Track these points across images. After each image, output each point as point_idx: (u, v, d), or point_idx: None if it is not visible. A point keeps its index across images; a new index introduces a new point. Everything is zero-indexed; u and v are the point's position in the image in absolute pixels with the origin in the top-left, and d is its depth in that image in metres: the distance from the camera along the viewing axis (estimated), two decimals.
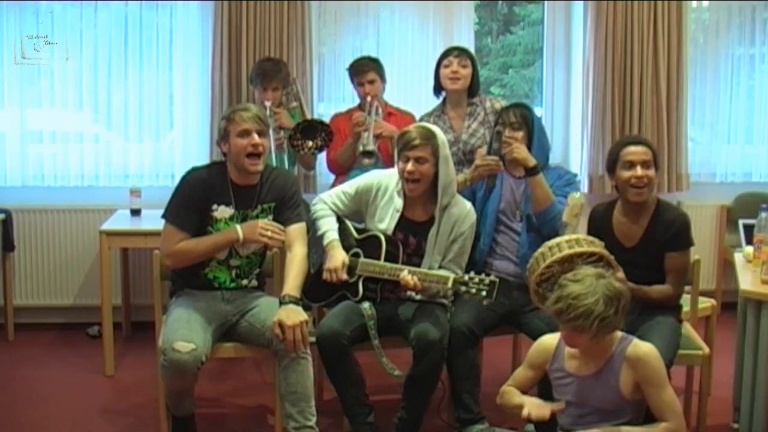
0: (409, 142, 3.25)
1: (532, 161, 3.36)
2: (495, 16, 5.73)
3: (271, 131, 4.00)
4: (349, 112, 4.38)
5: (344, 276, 3.28)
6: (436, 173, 3.28)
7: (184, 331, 3.02)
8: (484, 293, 3.04)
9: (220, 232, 3.19)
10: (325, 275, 3.30)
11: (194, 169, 3.29)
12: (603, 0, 4.89)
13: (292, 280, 3.17)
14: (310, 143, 4.02)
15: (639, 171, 3.12)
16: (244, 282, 3.33)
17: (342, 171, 4.27)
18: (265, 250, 3.35)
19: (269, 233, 3.15)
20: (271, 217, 3.28)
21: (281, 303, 3.08)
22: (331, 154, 4.31)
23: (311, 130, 4.01)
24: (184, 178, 3.25)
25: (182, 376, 3.00)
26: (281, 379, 3.08)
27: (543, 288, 2.90)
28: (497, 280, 3.05)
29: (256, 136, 3.16)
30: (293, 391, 3.06)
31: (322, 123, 4.04)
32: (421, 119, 4.13)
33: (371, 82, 4.25)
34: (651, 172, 3.13)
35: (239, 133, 3.15)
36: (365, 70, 4.26)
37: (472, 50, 4.35)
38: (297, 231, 3.30)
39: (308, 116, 4.17)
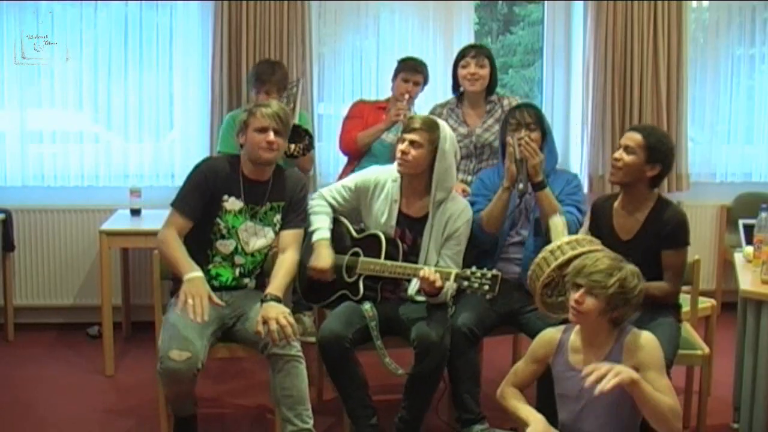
0: (410, 124, 3.31)
1: (540, 175, 3.34)
2: (495, 16, 5.73)
3: None
4: (376, 103, 4.37)
5: (331, 278, 3.31)
6: (432, 166, 3.29)
7: (180, 339, 3.01)
8: (486, 287, 3.04)
9: (185, 259, 3.13)
10: (310, 272, 3.31)
11: (209, 158, 3.37)
12: (603, 0, 4.89)
13: (278, 281, 3.18)
14: (292, 146, 4.00)
15: (617, 153, 3.17)
16: (246, 281, 3.33)
17: (355, 153, 4.26)
18: (269, 250, 3.35)
19: (190, 302, 2.99)
20: (279, 216, 3.30)
21: (262, 302, 3.09)
22: (353, 133, 4.26)
23: (295, 134, 4.00)
24: (197, 165, 3.29)
25: (179, 383, 3.02)
26: (276, 384, 3.08)
27: (548, 294, 2.89)
28: (499, 273, 3.05)
29: (272, 134, 3.19)
30: (289, 395, 3.06)
31: (305, 130, 4.03)
32: (434, 109, 4.12)
33: (416, 83, 4.27)
34: (629, 158, 3.12)
35: (257, 128, 3.19)
36: (418, 71, 4.28)
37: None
38: (293, 236, 3.31)
39: (296, 119, 4.14)
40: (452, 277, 3.10)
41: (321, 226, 3.39)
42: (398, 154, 3.29)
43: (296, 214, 3.33)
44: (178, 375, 2.95)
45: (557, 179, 3.48)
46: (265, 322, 2.99)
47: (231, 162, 3.30)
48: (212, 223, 3.24)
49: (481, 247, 3.46)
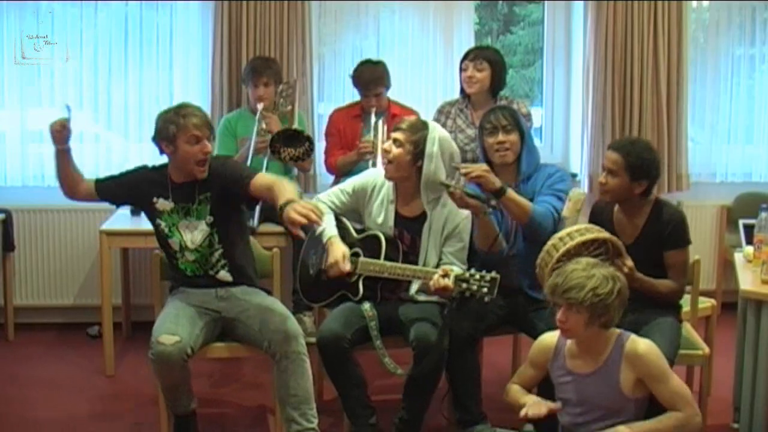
0: (398, 124, 3.35)
1: (496, 183, 3.20)
2: (495, 16, 5.72)
3: (254, 133, 4.08)
4: (351, 107, 4.37)
5: (347, 267, 3.27)
6: (420, 168, 3.27)
7: (170, 324, 3.06)
8: (485, 290, 3.03)
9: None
10: (330, 272, 3.29)
11: (144, 166, 3.41)
12: (603, 0, 4.89)
13: (281, 190, 2.99)
14: (291, 151, 3.98)
15: (601, 177, 3.18)
16: (211, 272, 3.30)
17: (340, 175, 4.27)
18: (211, 238, 3.27)
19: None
20: (209, 207, 3.26)
21: (280, 209, 2.89)
22: (331, 159, 4.31)
23: (294, 138, 3.99)
24: (136, 168, 3.41)
25: (170, 368, 3.03)
26: (280, 383, 3.08)
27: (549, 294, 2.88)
28: (498, 276, 3.03)
29: (206, 143, 3.20)
30: (294, 394, 3.06)
31: (305, 135, 3.97)
32: (443, 106, 4.12)
33: (378, 95, 4.22)
34: (614, 181, 3.11)
35: (189, 139, 3.16)
36: (370, 88, 4.20)
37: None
38: (262, 176, 3.25)
39: (295, 123, 4.11)
40: (451, 279, 3.09)
41: (327, 224, 3.38)
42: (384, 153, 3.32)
43: (241, 177, 3.20)
44: (168, 359, 2.98)
45: (539, 176, 3.41)
46: (293, 223, 2.85)
47: (158, 169, 3.33)
48: (154, 224, 3.32)
49: (488, 262, 3.34)
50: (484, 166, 3.25)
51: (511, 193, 3.23)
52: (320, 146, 4.52)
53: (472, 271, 3.10)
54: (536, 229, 3.23)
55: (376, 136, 4.10)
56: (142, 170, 3.38)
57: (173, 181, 3.28)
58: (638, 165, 3.10)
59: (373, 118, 4.16)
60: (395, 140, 3.29)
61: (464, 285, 3.07)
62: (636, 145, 3.22)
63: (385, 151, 3.31)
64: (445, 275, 3.09)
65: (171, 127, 3.17)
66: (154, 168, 3.38)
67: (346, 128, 4.25)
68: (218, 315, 3.24)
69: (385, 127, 4.13)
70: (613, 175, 3.12)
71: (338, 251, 3.29)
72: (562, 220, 3.31)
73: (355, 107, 4.37)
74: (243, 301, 3.26)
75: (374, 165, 3.97)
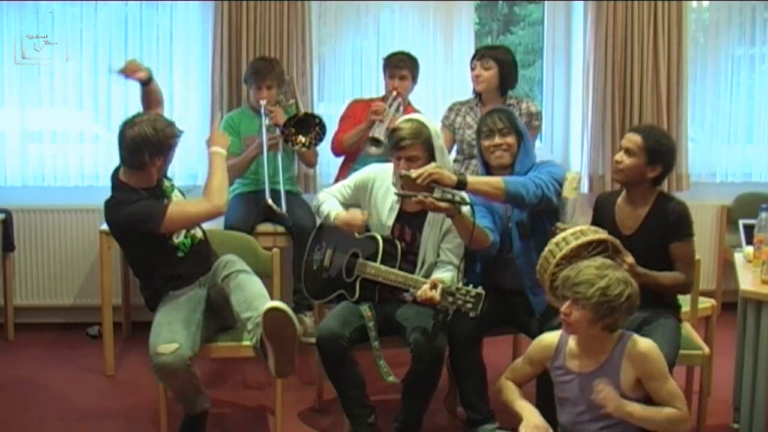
0: (399, 141, 3.19)
1: (452, 177, 3.06)
2: (495, 16, 5.72)
3: (263, 130, 4.08)
4: (371, 101, 4.39)
5: (363, 216, 3.34)
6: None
7: (166, 333, 3.07)
8: (469, 305, 2.98)
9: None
10: (345, 229, 3.35)
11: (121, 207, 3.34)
12: (603, 0, 4.89)
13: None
14: (303, 138, 4.04)
15: (618, 155, 3.19)
16: (192, 231, 3.37)
17: (343, 153, 4.31)
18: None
19: None
20: (167, 182, 3.45)
21: None
22: (339, 135, 4.32)
23: (305, 124, 4.03)
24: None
25: (173, 376, 3.05)
26: (234, 302, 3.13)
27: (558, 287, 2.86)
28: (483, 293, 2.97)
29: None
30: (242, 299, 3.11)
31: (315, 117, 4.05)
32: (453, 105, 4.17)
33: (402, 78, 4.27)
34: (630, 161, 3.12)
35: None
36: (400, 66, 4.29)
37: (471, 49, 4.35)
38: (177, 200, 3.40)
39: (301, 110, 4.18)
40: (438, 292, 3.02)
41: (332, 207, 3.43)
42: (400, 174, 3.18)
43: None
44: (169, 368, 3.00)
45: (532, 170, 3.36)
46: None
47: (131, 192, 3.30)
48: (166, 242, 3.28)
49: (490, 264, 3.39)
50: (432, 164, 3.12)
51: (472, 178, 3.17)
52: (319, 147, 4.50)
53: (459, 285, 3.06)
54: (518, 198, 3.16)
55: (390, 106, 4.15)
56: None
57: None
58: (656, 149, 3.12)
59: (393, 93, 4.23)
60: (409, 158, 3.16)
61: (450, 299, 3.02)
62: (657, 129, 3.29)
63: (405, 176, 3.11)
64: (434, 287, 3.05)
65: (171, 141, 3.30)
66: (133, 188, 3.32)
67: (363, 114, 4.26)
68: (206, 303, 3.27)
69: (402, 108, 4.20)
70: (630, 155, 3.13)
71: (347, 214, 3.37)
72: (562, 202, 3.26)
73: (376, 100, 4.39)
74: (213, 275, 3.29)
75: (374, 141, 4.02)
